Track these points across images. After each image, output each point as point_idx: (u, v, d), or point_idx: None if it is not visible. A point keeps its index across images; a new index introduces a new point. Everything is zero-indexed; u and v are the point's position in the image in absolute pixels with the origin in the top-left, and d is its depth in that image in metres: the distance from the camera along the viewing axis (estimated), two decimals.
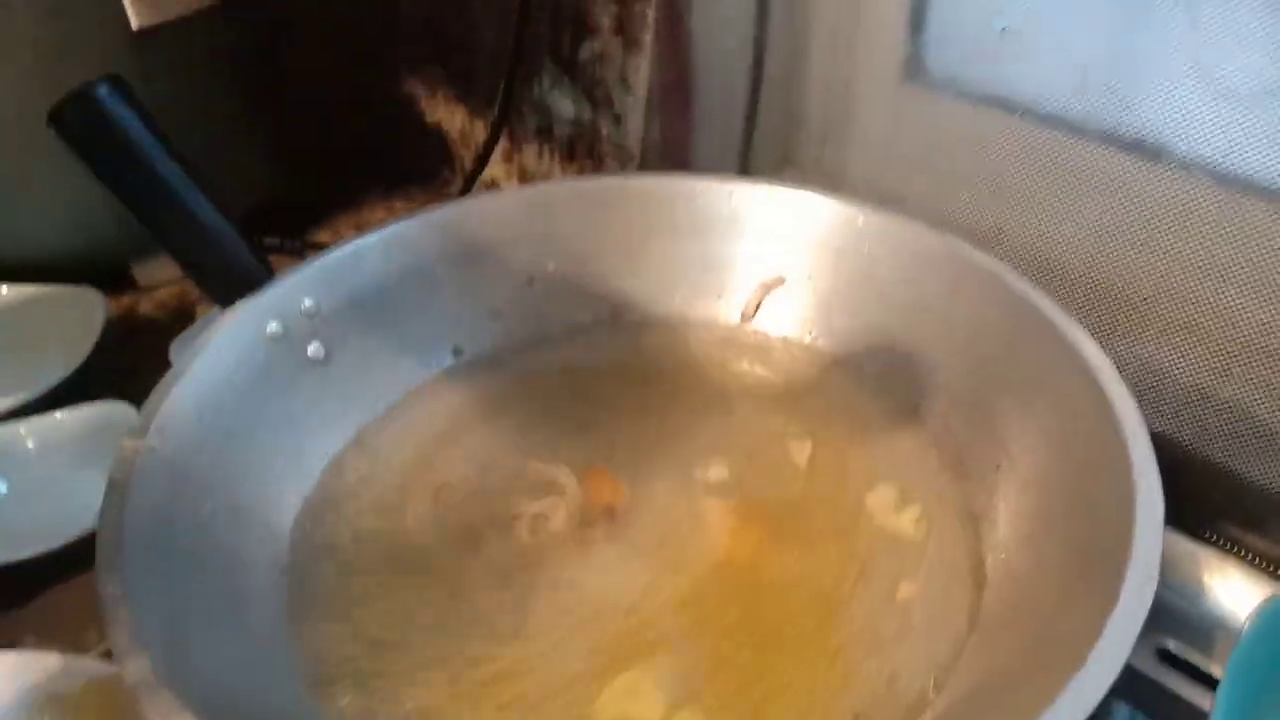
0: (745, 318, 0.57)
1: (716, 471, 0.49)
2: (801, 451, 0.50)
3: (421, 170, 0.94)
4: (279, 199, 0.84)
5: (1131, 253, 0.50)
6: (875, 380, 0.53)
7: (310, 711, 0.38)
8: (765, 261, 0.56)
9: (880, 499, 0.47)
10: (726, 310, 0.58)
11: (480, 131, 0.86)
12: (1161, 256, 0.49)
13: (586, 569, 0.44)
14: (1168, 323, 0.50)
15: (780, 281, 0.56)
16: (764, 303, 0.57)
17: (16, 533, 0.52)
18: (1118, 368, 0.41)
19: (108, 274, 0.75)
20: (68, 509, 0.53)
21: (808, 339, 0.56)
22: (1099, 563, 0.34)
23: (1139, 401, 0.39)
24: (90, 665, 0.44)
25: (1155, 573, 0.32)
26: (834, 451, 0.50)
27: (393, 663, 0.40)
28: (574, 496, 0.47)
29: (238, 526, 0.44)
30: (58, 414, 0.60)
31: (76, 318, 0.68)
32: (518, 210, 0.57)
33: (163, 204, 0.44)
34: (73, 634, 0.48)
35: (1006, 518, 0.43)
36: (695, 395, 0.54)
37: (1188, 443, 0.51)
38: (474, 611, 0.42)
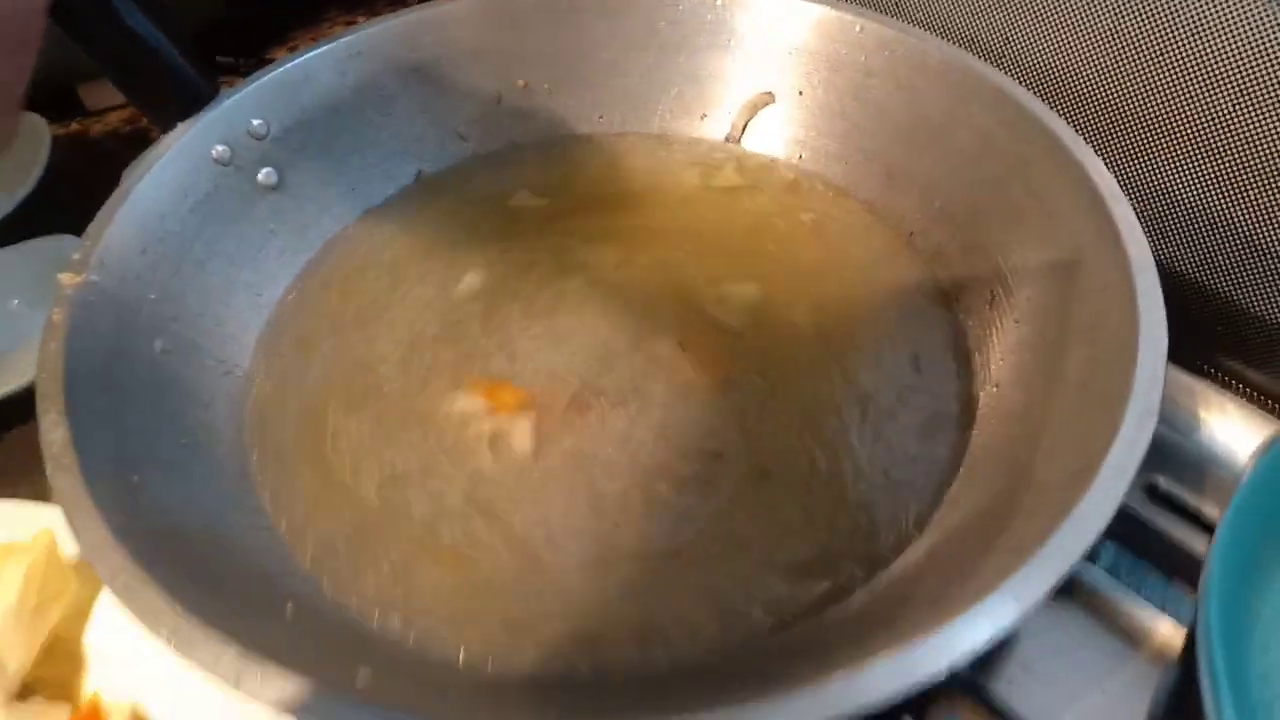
0: (731, 139, 0.54)
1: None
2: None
3: None
4: (233, 15, 0.79)
5: (1146, 66, 0.47)
6: (867, 204, 0.50)
7: (273, 546, 0.37)
8: (754, 76, 0.53)
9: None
10: (711, 130, 0.55)
11: None
12: (1179, 70, 0.46)
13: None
14: (1181, 143, 0.47)
15: (769, 99, 0.53)
16: (751, 122, 0.53)
17: None
18: (1125, 190, 0.38)
19: (52, 99, 0.71)
20: (22, 350, 0.51)
21: (797, 160, 0.53)
22: (1097, 396, 0.33)
23: (1144, 226, 0.37)
24: (50, 512, 0.43)
25: (1156, 407, 0.31)
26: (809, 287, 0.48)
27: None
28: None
29: (194, 363, 0.42)
30: (5, 250, 0.57)
31: (18, 147, 0.64)
32: (482, 19, 0.53)
33: (91, 12, 0.41)
34: (32, 481, 0.46)
35: (1000, 351, 0.41)
36: (674, 223, 0.51)
37: (1190, 272, 0.49)
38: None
